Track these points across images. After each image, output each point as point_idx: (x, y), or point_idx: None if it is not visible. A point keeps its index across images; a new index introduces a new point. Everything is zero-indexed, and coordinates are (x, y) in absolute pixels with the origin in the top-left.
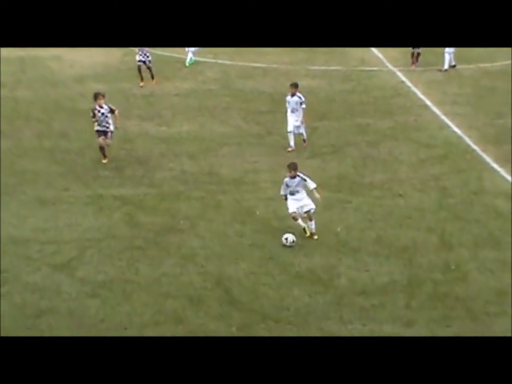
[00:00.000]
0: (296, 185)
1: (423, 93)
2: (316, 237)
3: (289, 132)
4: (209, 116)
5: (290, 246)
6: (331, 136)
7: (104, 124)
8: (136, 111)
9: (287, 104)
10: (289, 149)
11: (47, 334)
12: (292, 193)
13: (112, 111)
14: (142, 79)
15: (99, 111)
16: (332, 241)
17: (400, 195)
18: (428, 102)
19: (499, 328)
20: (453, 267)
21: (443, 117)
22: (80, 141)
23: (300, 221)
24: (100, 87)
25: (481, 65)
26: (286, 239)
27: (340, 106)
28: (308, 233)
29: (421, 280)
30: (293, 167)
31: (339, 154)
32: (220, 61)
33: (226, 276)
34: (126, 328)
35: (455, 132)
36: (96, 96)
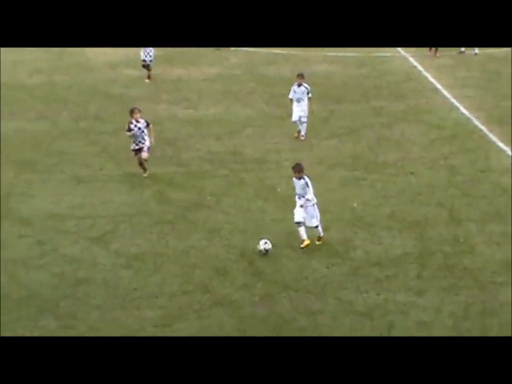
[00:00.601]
0: (302, 189)
1: (434, 77)
2: (318, 242)
3: (294, 122)
4: (234, 99)
5: (265, 253)
6: (347, 118)
7: (140, 139)
8: (165, 95)
9: (293, 94)
10: (296, 135)
11: (84, 302)
12: (299, 197)
13: (148, 125)
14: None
15: (136, 126)
16: (348, 216)
17: (412, 173)
18: (438, 86)
19: (504, 297)
20: (461, 240)
21: (452, 100)
22: (113, 123)
23: (303, 230)
24: (131, 73)
25: (487, 50)
26: (266, 244)
27: (355, 90)
28: (304, 244)
29: (431, 252)
30: (297, 169)
31: (355, 135)
32: (244, 48)
33: (250, 248)
34: (157, 297)
35: (463, 114)
36: (132, 111)
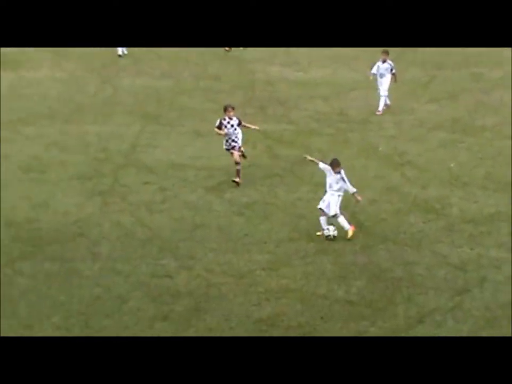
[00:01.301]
0: (337, 183)
1: None
2: (350, 234)
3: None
4: (341, 63)
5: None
6: (447, 83)
7: (233, 137)
8: (278, 59)
9: (376, 69)
10: (377, 113)
11: (200, 244)
12: (330, 186)
13: (240, 124)
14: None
15: (228, 123)
16: (445, 176)
17: (508, 137)
18: None
19: None
20: None
21: None
22: (230, 83)
23: (324, 220)
24: None
25: None
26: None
27: (456, 57)
28: (320, 233)
29: None
30: (334, 164)
31: (454, 100)
32: None
33: (352, 202)
34: (265, 243)
35: None
36: (226, 109)
